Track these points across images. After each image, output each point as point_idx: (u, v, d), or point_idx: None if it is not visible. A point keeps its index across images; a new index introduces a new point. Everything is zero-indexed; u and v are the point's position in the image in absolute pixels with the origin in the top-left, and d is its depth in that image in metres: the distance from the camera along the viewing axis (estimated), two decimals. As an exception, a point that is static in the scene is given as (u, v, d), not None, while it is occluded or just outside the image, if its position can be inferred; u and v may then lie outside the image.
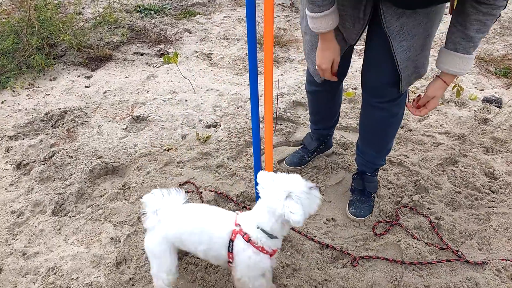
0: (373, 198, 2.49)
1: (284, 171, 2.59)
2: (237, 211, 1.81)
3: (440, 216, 2.40)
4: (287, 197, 1.56)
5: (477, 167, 2.81)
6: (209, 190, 2.57)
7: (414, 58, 1.89)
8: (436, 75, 1.87)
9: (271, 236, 1.66)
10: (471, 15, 1.60)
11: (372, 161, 2.40)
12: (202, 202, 2.46)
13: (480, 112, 3.46)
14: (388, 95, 2.06)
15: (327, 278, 2.05)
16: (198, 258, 2.16)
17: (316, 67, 2.02)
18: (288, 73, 4.23)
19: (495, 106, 3.52)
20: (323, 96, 2.47)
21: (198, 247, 1.75)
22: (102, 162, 2.80)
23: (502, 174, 2.74)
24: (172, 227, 1.78)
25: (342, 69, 2.17)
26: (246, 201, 2.53)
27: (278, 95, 3.65)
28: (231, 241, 1.69)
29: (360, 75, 2.14)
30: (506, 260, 2.12)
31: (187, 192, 2.57)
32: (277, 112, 3.37)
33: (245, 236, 1.67)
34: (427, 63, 2.01)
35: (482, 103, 3.59)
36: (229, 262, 1.74)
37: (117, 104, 3.55)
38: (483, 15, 1.58)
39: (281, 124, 3.31)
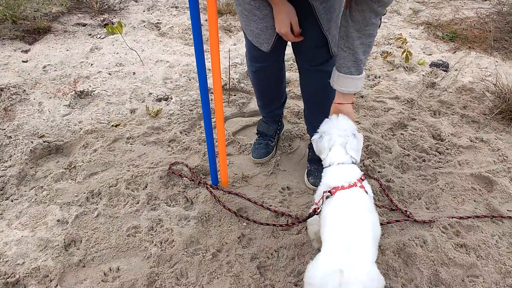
0: None
1: (256, 164, 2.59)
2: None
3: (390, 179, 2.47)
4: None
5: (425, 130, 2.91)
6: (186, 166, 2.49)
7: (335, 19, 1.94)
8: (337, 103, 2.00)
9: None
10: (356, 39, 1.77)
11: None
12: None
13: (428, 76, 3.56)
14: (320, 57, 2.08)
15: (283, 245, 2.07)
16: (152, 235, 2.10)
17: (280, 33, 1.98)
18: (241, 42, 4.13)
19: (442, 70, 3.63)
20: (271, 71, 2.35)
21: None
22: (44, 142, 2.63)
23: (448, 135, 2.85)
24: None
25: (285, 40, 2.14)
26: (200, 174, 2.48)
27: (230, 66, 3.56)
28: None
29: (290, 42, 2.12)
30: (452, 218, 2.22)
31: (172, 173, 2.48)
32: (230, 83, 3.30)
33: None
34: None
35: (430, 67, 3.68)
36: None
37: (58, 79, 3.33)
38: (366, 38, 1.77)
39: (234, 95, 3.25)
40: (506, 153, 2.67)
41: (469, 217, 2.23)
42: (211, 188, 2.34)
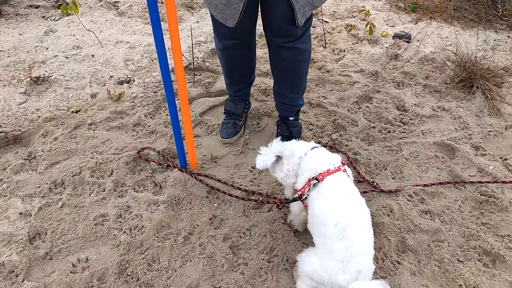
0: None
1: (225, 145, 2.55)
2: None
3: (357, 151, 2.51)
4: None
5: (389, 101, 2.95)
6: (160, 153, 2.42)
7: None
8: None
9: None
10: None
11: (291, 103, 2.41)
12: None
13: (391, 48, 3.59)
14: (289, 31, 2.04)
15: (255, 224, 2.08)
16: (121, 222, 2.06)
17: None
18: (204, 19, 4.03)
19: (405, 41, 3.67)
20: (240, 48, 2.27)
21: None
22: (0, 132, 2.50)
23: (412, 106, 2.90)
24: None
25: (253, 15, 2.09)
26: (168, 157, 2.43)
27: (194, 44, 3.47)
28: None
29: (260, 17, 2.08)
30: (417, 186, 2.29)
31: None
32: (194, 62, 3.22)
33: None
34: None
35: (393, 39, 3.72)
36: None
37: (12, 65, 3.15)
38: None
39: (200, 75, 3.18)
40: (467, 121, 2.75)
41: (433, 184, 2.30)
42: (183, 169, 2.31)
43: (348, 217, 1.58)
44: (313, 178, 1.71)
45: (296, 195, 1.82)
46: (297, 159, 1.85)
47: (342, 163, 1.79)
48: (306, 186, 1.74)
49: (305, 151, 1.85)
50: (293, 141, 1.95)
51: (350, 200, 1.66)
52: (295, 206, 1.96)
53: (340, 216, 1.57)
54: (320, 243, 1.63)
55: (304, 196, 1.74)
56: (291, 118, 2.50)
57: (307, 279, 1.64)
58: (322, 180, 1.69)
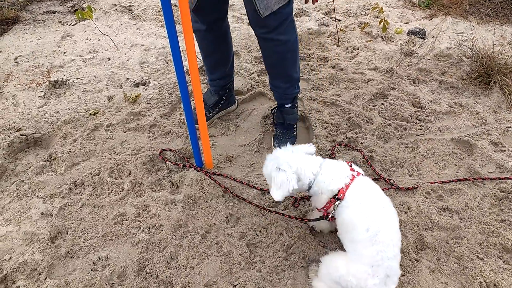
0: (295, 130, 2.57)
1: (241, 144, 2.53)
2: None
3: (373, 149, 2.50)
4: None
5: (404, 98, 2.92)
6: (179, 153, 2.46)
7: None
8: None
9: None
10: None
11: (284, 92, 2.44)
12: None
13: (405, 45, 3.56)
14: (262, 22, 2.05)
15: (271, 222, 2.08)
16: (139, 221, 2.09)
17: None
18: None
19: (420, 37, 3.63)
20: (208, 34, 2.34)
21: None
22: (21, 135, 2.57)
23: (428, 102, 2.87)
24: None
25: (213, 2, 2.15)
26: (184, 157, 2.46)
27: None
28: None
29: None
30: (434, 183, 2.26)
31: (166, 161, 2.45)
32: (208, 63, 3.24)
33: None
34: None
35: (407, 35, 3.68)
36: None
37: (31, 70, 3.23)
38: None
39: (213, 75, 3.20)
40: (485, 116, 2.71)
41: (451, 181, 2.27)
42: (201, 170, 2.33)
43: (379, 222, 1.57)
44: (334, 198, 1.70)
45: (321, 214, 1.83)
46: (306, 180, 1.75)
47: (349, 165, 1.78)
48: (329, 205, 1.73)
49: (314, 171, 1.75)
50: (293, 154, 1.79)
51: (378, 203, 1.65)
52: (322, 224, 1.97)
53: (371, 221, 1.57)
54: (351, 248, 1.63)
55: (331, 216, 1.73)
56: (287, 106, 2.52)
57: (331, 282, 1.64)
58: (344, 197, 1.68)
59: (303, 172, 1.73)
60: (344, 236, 1.69)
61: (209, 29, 2.32)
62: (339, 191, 1.68)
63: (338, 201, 1.67)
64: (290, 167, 1.70)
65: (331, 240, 2.01)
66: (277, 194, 1.69)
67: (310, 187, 1.76)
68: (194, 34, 2.34)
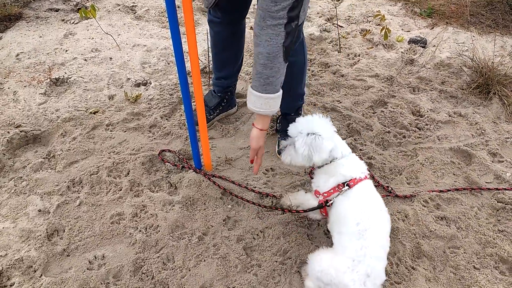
0: None
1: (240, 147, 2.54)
2: None
3: (372, 156, 2.50)
4: None
5: (404, 106, 2.94)
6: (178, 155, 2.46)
7: None
8: (252, 124, 1.92)
9: None
10: (255, 47, 1.68)
11: (289, 105, 2.48)
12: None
13: (406, 53, 3.57)
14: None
15: (268, 226, 2.08)
16: (137, 221, 2.09)
17: None
18: (219, 24, 4.06)
19: (421, 46, 3.65)
20: (224, 30, 2.34)
21: None
22: (21, 131, 2.56)
23: (427, 111, 2.88)
24: None
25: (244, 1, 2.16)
26: (183, 158, 2.46)
27: (209, 48, 3.50)
28: None
29: None
30: (432, 191, 2.27)
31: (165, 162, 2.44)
32: (210, 66, 3.25)
33: None
34: None
35: (408, 44, 3.70)
36: None
37: (32, 67, 3.22)
38: (263, 47, 1.62)
39: (214, 78, 3.20)
40: (484, 127, 2.72)
41: (449, 190, 2.28)
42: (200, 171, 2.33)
43: (371, 221, 1.58)
44: (343, 184, 1.72)
45: (319, 200, 1.82)
46: (326, 154, 1.74)
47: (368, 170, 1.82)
48: (333, 191, 1.74)
49: (345, 153, 1.79)
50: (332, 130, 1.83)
51: (376, 206, 1.67)
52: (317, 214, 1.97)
53: (364, 218, 1.58)
54: (337, 240, 1.64)
55: (330, 202, 1.74)
56: (292, 114, 2.54)
57: (315, 279, 1.64)
58: (353, 186, 1.70)
59: (338, 146, 1.79)
60: (334, 227, 1.71)
61: (226, 25, 2.32)
62: (351, 179, 1.71)
63: (347, 187, 1.70)
64: (329, 138, 1.74)
65: (329, 246, 2.01)
66: (314, 156, 1.72)
67: (322, 166, 1.79)
68: (209, 28, 2.39)
